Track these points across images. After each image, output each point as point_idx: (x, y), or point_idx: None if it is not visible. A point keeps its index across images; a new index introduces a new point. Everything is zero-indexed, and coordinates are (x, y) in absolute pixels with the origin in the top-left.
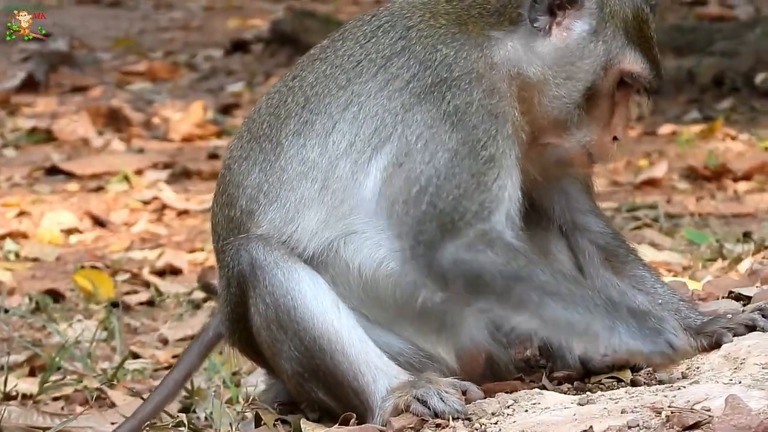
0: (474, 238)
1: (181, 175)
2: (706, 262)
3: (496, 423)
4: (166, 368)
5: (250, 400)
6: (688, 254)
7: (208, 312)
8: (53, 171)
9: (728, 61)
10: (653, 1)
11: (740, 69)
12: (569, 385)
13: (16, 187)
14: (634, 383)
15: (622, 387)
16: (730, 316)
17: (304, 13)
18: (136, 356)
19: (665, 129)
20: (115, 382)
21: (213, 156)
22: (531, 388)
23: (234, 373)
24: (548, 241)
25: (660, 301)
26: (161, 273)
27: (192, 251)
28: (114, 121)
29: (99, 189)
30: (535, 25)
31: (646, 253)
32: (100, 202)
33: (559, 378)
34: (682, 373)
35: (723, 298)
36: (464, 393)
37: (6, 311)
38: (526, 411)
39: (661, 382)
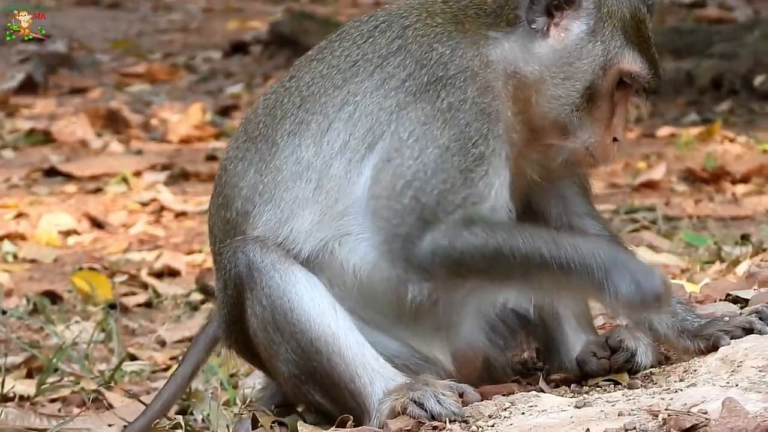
0: (452, 225)
1: (179, 177)
2: (704, 264)
3: (493, 425)
4: (164, 370)
5: (248, 402)
6: (686, 257)
7: (206, 314)
8: (51, 172)
9: (727, 63)
10: (650, 1)
11: (739, 71)
12: (566, 388)
13: (14, 188)
14: (631, 386)
15: (619, 390)
16: (727, 318)
17: (303, 14)
18: (133, 358)
19: (664, 131)
20: (112, 384)
21: (211, 158)
22: (528, 391)
23: (231, 375)
24: None
25: None
26: (159, 274)
27: (190, 253)
28: (112, 122)
29: (97, 190)
30: (532, 26)
31: (644, 256)
32: (98, 203)
33: (556, 380)
34: (679, 375)
35: (720, 300)
36: (461, 395)
37: (3, 313)
38: (523, 413)
39: (658, 385)
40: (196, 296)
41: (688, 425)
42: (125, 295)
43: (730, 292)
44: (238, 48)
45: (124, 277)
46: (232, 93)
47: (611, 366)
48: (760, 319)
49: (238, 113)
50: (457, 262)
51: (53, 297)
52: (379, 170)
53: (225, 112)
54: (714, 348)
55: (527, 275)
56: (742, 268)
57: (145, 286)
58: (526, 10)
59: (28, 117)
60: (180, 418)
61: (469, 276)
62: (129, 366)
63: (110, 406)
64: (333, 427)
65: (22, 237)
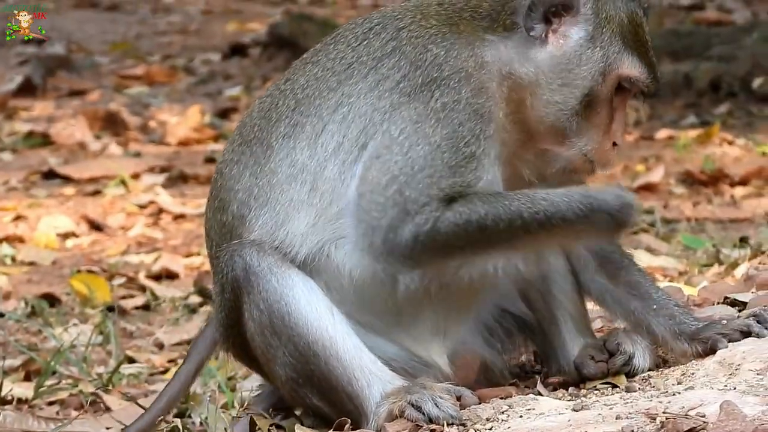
0: (434, 208)
1: (178, 179)
2: (703, 267)
3: (490, 429)
4: (162, 372)
5: (246, 405)
6: (684, 259)
7: (204, 316)
8: (50, 175)
9: (725, 65)
10: (646, 4)
11: (737, 73)
12: (564, 391)
13: (12, 191)
14: (628, 389)
15: (617, 393)
16: (725, 321)
17: (302, 16)
18: (131, 361)
19: (662, 134)
20: (110, 387)
21: (210, 160)
22: (526, 394)
23: (229, 378)
24: None
25: (654, 306)
26: (157, 277)
27: (188, 255)
28: (111, 125)
29: (96, 193)
30: (531, 33)
31: (643, 259)
32: (96, 206)
33: (554, 383)
34: (677, 378)
35: (718, 303)
36: (459, 398)
37: (2, 315)
38: (521, 417)
39: (656, 388)
40: (195, 299)
41: (686, 428)
42: (123, 297)
43: (728, 295)
44: (237, 50)
45: (123, 280)
46: (231, 95)
47: (609, 369)
48: (758, 322)
49: (237, 115)
50: (442, 244)
51: (51, 299)
52: (367, 168)
53: (224, 114)
54: (712, 351)
55: (512, 240)
56: (740, 271)
57: (143, 289)
58: (524, 17)
59: (27, 119)
60: (178, 421)
61: (456, 254)
62: (127, 369)
63: (108, 409)
64: (330, 431)
65: (21, 239)
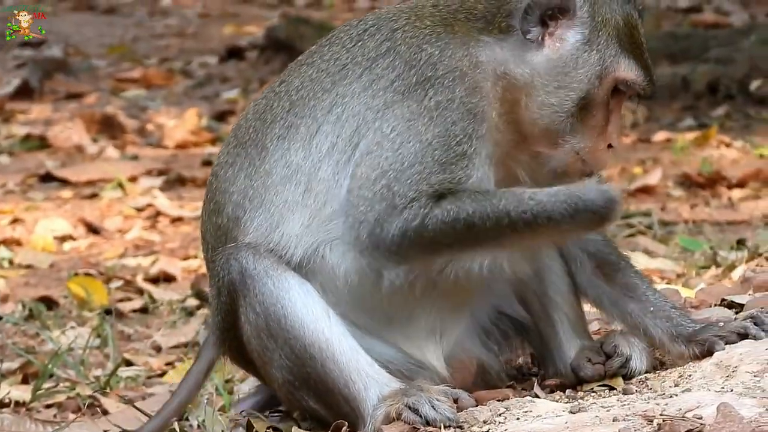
0: (423, 204)
1: (175, 182)
2: (700, 269)
3: (487, 431)
4: (160, 375)
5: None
6: (681, 261)
7: (201, 319)
8: (47, 178)
9: (723, 68)
10: (641, 6)
11: (735, 76)
12: (561, 393)
13: (9, 194)
14: (625, 391)
15: (614, 395)
16: (722, 323)
17: (298, 19)
18: (129, 363)
19: (659, 136)
20: (108, 390)
21: (207, 163)
22: (523, 396)
23: (227, 381)
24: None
25: (652, 308)
26: (155, 280)
27: (186, 258)
28: (108, 128)
29: (93, 196)
30: (527, 36)
31: (640, 261)
32: (94, 209)
33: (551, 386)
34: (674, 380)
35: (716, 305)
36: (456, 401)
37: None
38: (518, 419)
39: (653, 390)
40: (192, 302)
41: (683, 431)
42: (121, 300)
43: (726, 297)
44: (234, 53)
45: (120, 283)
46: (228, 98)
47: (606, 371)
48: (755, 324)
49: (234, 118)
50: (429, 240)
51: (49, 302)
52: (357, 164)
53: (221, 117)
54: (709, 353)
55: (499, 238)
56: (737, 273)
57: (140, 292)
58: (520, 20)
59: (24, 122)
60: (175, 424)
61: (443, 251)
62: (124, 371)
63: (106, 412)
64: None
65: (18, 242)
